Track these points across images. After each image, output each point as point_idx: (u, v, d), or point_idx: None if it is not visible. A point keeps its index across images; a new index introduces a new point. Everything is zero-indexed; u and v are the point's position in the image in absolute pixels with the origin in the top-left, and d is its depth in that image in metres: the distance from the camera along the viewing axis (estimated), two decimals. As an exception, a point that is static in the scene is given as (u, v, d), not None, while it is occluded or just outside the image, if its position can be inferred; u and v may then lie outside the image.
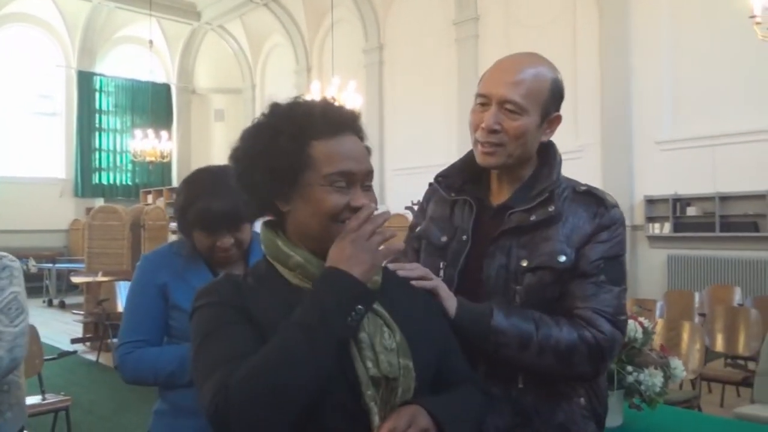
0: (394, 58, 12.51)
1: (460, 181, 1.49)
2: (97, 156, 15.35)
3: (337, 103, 1.15)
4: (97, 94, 15.39)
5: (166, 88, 16.48)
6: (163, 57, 16.34)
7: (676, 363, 2.15)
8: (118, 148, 15.68)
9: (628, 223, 5.81)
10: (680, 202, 8.17)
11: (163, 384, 1.75)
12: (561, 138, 1.46)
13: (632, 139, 8.67)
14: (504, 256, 1.37)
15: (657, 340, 2.92)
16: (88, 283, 8.17)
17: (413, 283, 1.25)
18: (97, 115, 15.39)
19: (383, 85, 12.70)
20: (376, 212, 1.08)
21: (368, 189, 1.13)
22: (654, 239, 8.49)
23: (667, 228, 8.29)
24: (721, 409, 4.84)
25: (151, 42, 13.56)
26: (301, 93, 1.25)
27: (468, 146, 1.48)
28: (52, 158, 14.85)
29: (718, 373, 4.78)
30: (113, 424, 4.93)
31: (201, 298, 1.10)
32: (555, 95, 1.38)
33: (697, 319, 5.75)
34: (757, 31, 5.83)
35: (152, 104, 16.09)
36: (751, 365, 4.75)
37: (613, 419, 1.99)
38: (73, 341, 7.78)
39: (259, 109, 1.94)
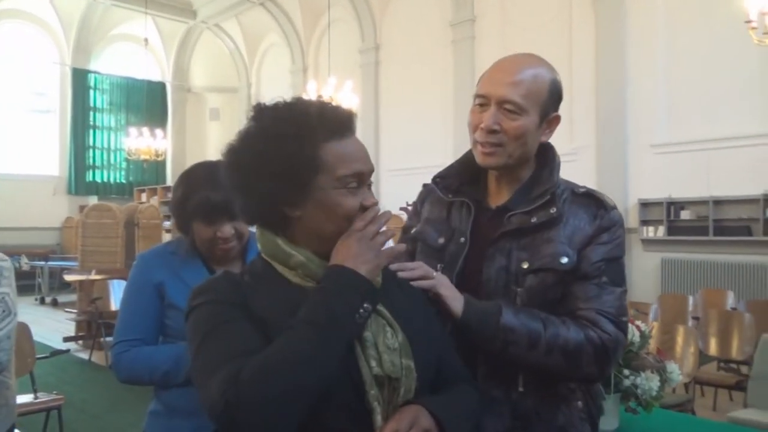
0: (390, 58, 12.50)
1: (458, 183, 1.48)
2: (91, 154, 15.30)
3: (333, 103, 1.14)
4: (91, 92, 15.34)
5: (162, 86, 16.44)
6: (159, 55, 16.31)
7: (673, 367, 2.15)
8: (113, 146, 15.63)
9: (623, 226, 5.81)
10: (674, 206, 8.20)
11: (158, 383, 1.73)
12: (555, 140, 1.45)
13: (627, 142, 8.69)
14: (504, 258, 1.36)
15: (652, 344, 2.92)
16: (81, 281, 8.12)
17: (414, 284, 1.24)
18: (91, 113, 15.35)
19: (379, 86, 12.69)
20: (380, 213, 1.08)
21: (370, 187, 1.13)
22: (648, 242, 8.52)
23: (661, 231, 8.32)
24: (714, 413, 4.85)
25: (146, 40, 13.54)
26: (298, 93, 1.24)
27: (464, 147, 1.47)
28: (45, 155, 14.80)
29: (712, 376, 4.79)
30: (105, 423, 4.91)
31: (198, 297, 1.08)
32: (554, 96, 1.38)
33: (690, 322, 5.77)
34: (753, 35, 5.87)
35: (147, 102, 16.04)
36: (743, 369, 4.77)
37: (609, 423, 1.98)
38: (66, 340, 7.72)
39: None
